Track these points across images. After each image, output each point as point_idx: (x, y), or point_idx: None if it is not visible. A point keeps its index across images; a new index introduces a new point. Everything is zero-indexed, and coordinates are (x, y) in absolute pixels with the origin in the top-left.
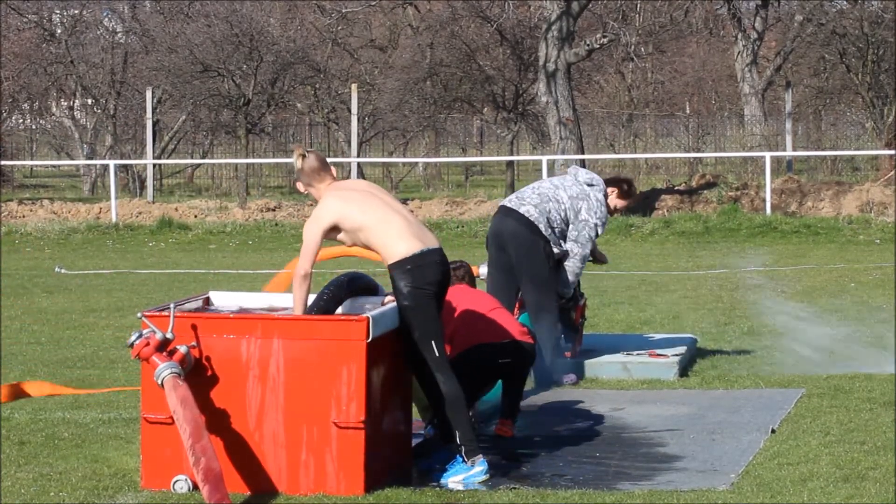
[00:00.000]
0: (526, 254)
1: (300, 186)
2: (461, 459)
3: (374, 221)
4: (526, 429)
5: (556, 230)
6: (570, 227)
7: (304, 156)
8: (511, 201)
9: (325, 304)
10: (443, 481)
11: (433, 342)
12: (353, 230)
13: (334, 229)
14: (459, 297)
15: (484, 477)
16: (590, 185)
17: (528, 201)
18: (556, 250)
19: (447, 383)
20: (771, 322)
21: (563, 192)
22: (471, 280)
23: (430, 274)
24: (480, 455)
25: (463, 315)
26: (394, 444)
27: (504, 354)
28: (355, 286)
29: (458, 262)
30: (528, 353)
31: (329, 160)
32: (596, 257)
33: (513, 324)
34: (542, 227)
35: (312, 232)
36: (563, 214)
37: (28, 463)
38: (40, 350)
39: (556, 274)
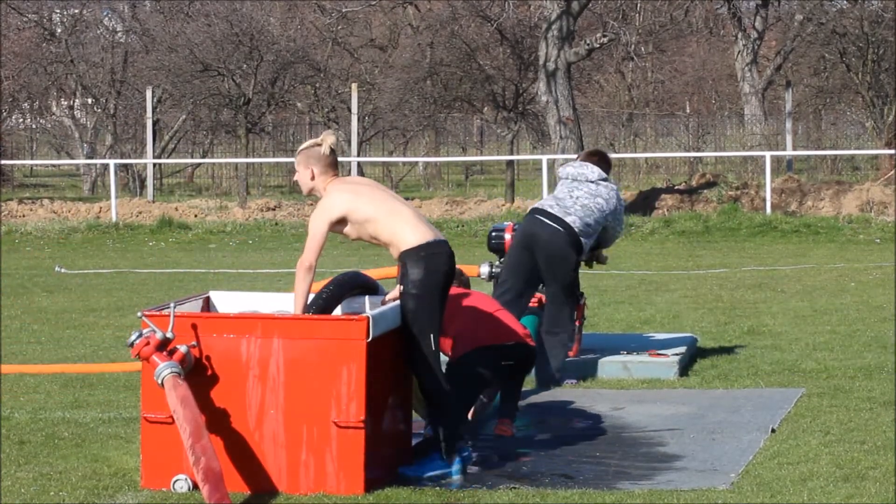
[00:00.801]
0: (559, 264)
1: (302, 172)
2: (439, 456)
3: (384, 213)
4: (526, 429)
5: (593, 239)
6: (615, 223)
7: (333, 147)
8: (553, 207)
9: (325, 303)
10: (416, 475)
11: (432, 336)
12: (362, 222)
13: (341, 222)
14: (461, 299)
15: (457, 477)
16: (605, 180)
17: (572, 212)
18: (583, 258)
19: (435, 378)
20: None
21: (601, 200)
22: (466, 286)
23: (441, 263)
24: (457, 455)
25: (465, 316)
26: (394, 443)
27: (507, 357)
28: (355, 285)
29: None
30: (531, 354)
31: None
32: (597, 258)
33: (516, 325)
34: (583, 240)
35: (319, 224)
36: (603, 220)
37: (28, 462)
38: (40, 350)
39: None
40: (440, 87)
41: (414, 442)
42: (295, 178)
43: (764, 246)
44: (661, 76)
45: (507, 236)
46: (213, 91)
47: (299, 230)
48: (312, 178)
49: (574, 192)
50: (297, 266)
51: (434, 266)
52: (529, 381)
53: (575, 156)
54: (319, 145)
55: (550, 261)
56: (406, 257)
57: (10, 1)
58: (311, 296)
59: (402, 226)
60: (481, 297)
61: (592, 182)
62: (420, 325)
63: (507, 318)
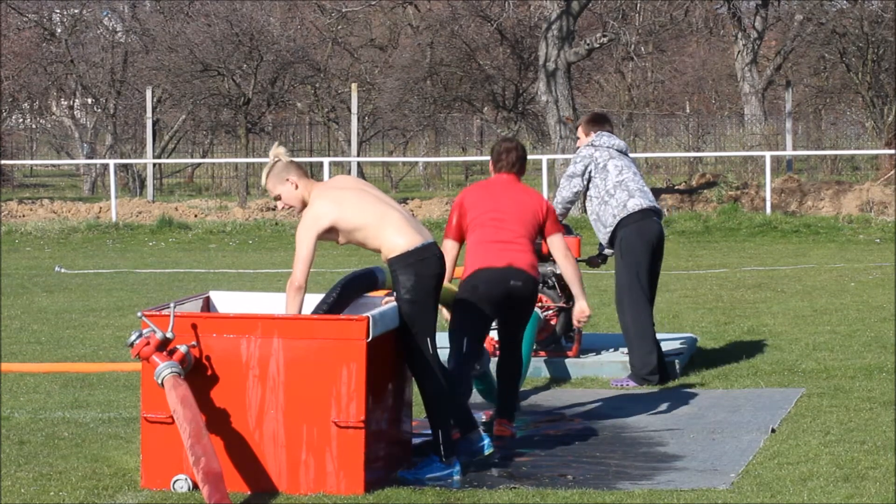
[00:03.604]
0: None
1: (283, 188)
2: (438, 458)
3: (372, 219)
4: (526, 429)
5: None
6: None
7: (286, 153)
8: (653, 202)
9: (333, 304)
10: (416, 478)
11: (429, 339)
12: (351, 230)
13: (329, 231)
14: (495, 193)
15: (457, 477)
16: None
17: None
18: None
19: (434, 381)
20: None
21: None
22: (521, 168)
23: (431, 267)
24: (455, 457)
25: (479, 242)
26: (394, 443)
27: (515, 277)
28: (363, 285)
29: (512, 139)
30: (532, 282)
31: (329, 160)
32: (590, 261)
33: (526, 256)
34: None
35: (308, 239)
36: None
37: (28, 463)
38: (40, 350)
39: None
40: (440, 87)
41: (414, 442)
42: (282, 205)
43: (764, 246)
44: (661, 76)
45: None
46: (213, 91)
47: None
48: (297, 188)
49: (637, 174)
50: (288, 286)
51: (424, 271)
52: (527, 382)
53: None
54: (278, 158)
55: (662, 257)
56: (395, 264)
57: (10, 1)
58: (318, 297)
59: (389, 231)
60: (518, 194)
61: (621, 149)
62: (417, 328)
63: (522, 246)
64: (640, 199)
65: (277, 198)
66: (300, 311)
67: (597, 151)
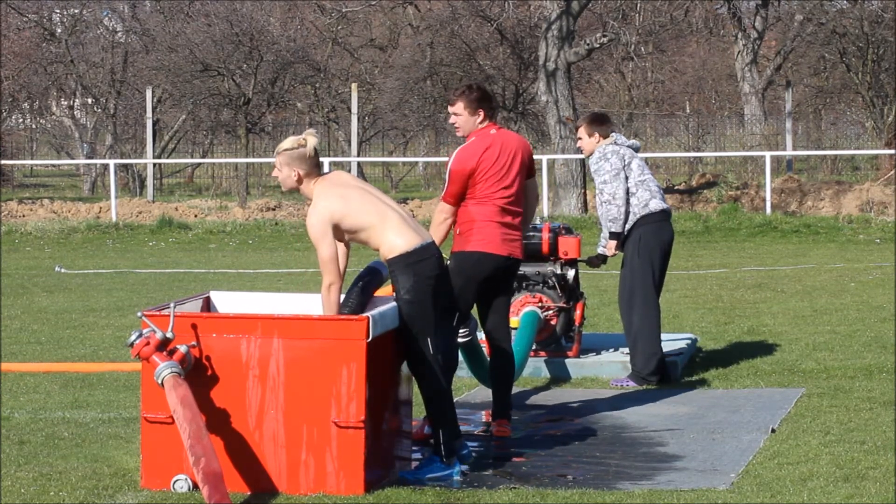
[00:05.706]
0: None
1: (286, 172)
2: (438, 458)
3: (375, 220)
4: (526, 429)
5: None
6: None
7: (317, 147)
8: (665, 199)
9: (355, 304)
10: (417, 478)
11: (429, 339)
12: (354, 230)
13: (334, 228)
14: (500, 158)
15: (458, 477)
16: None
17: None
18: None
19: (433, 381)
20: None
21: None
22: (490, 114)
23: (430, 268)
24: (455, 457)
25: (487, 221)
26: (394, 443)
27: (509, 259)
28: (372, 286)
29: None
30: (519, 263)
31: (329, 160)
32: (590, 261)
33: (521, 237)
34: None
35: (324, 238)
36: None
37: (28, 463)
38: (40, 350)
39: None
40: (440, 87)
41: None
42: (274, 174)
43: (764, 246)
44: (661, 76)
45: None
46: (213, 91)
47: (299, 230)
48: (298, 181)
49: (647, 170)
50: (322, 292)
51: (423, 272)
52: (527, 382)
53: (574, 156)
54: (303, 146)
55: (669, 260)
56: (394, 265)
57: (10, 1)
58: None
59: (389, 232)
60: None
61: (631, 146)
62: (417, 329)
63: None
64: (660, 201)
65: (276, 168)
66: (338, 306)
67: (622, 149)
